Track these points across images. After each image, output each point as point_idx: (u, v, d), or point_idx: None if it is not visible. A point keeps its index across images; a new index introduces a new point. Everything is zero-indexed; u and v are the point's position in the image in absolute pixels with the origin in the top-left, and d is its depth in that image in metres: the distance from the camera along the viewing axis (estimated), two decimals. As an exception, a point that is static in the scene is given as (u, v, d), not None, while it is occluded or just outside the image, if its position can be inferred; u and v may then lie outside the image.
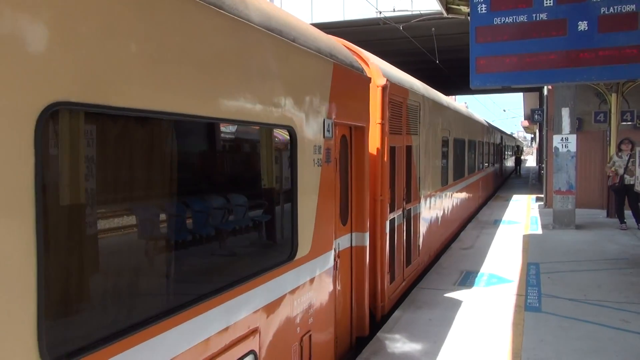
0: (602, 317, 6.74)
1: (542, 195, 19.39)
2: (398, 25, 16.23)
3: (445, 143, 11.28)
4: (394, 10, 16.45)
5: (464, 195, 14.61)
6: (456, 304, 7.36)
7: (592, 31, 6.17)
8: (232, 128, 3.45)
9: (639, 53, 6.08)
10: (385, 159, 6.66)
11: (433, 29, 17.37)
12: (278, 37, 3.70)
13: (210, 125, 3.19)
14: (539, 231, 13.43)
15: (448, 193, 11.92)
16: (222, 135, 3.45)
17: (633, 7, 6.11)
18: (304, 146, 4.15)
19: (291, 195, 4.03)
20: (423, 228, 9.15)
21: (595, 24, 6.16)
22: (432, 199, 10.00)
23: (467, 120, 15.31)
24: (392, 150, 7.08)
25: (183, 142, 3.00)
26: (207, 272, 3.25)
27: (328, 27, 15.48)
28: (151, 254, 2.80)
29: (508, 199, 21.53)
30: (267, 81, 3.57)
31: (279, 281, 3.80)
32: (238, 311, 3.25)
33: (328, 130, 4.63)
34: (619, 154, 13.38)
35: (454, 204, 12.88)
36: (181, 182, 2.93)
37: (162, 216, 2.89)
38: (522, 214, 16.87)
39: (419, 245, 8.86)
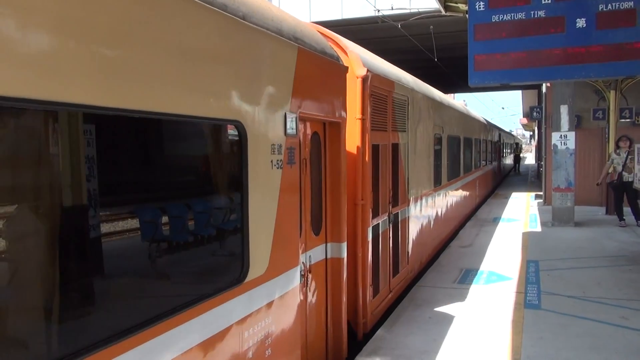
0: (602, 314, 6.74)
1: (541, 193, 19.40)
2: (396, 23, 16.23)
3: (438, 141, 10.50)
4: (392, 9, 16.45)
5: (459, 195, 13.73)
6: (456, 301, 7.36)
7: (590, 28, 6.17)
8: (161, 124, 2.77)
9: (638, 50, 6.07)
10: (367, 158, 6.01)
11: (431, 27, 17.37)
12: (221, 13, 3.08)
13: (126, 120, 2.43)
14: (538, 229, 13.44)
15: (442, 194, 11.06)
16: (148, 131, 2.76)
17: (631, 3, 6.10)
18: (258, 145, 3.47)
19: (240, 205, 3.32)
20: (413, 233, 8.41)
21: (593, 20, 6.16)
22: (424, 201, 9.24)
23: (463, 117, 14.41)
24: (375, 148, 6.42)
25: (81, 140, 2.29)
26: (114, 305, 2.47)
27: (326, 26, 15.45)
28: (19, 284, 2.05)
29: (507, 197, 21.54)
30: (205, 65, 2.93)
31: (223, 310, 3.08)
32: (160, 354, 2.53)
33: (292, 127, 3.96)
34: (617, 151, 13.41)
35: (449, 205, 11.98)
36: (72, 189, 2.22)
37: (44, 231, 2.17)
38: (521, 211, 16.88)
39: (408, 252, 8.10)
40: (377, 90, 6.39)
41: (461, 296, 7.61)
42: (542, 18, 6.27)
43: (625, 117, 16.03)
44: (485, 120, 23.02)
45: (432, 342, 5.90)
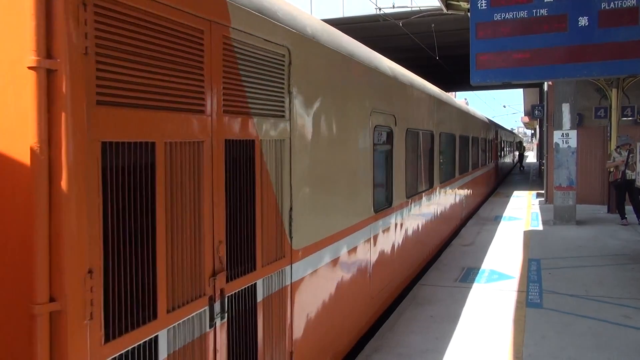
0: (604, 312, 6.74)
1: (543, 191, 19.39)
2: (397, 21, 16.21)
3: (384, 137, 6.73)
4: (393, 7, 16.43)
5: (428, 217, 9.41)
6: (457, 300, 7.36)
7: (593, 26, 6.16)
8: None
9: (640, 48, 6.06)
10: (63, 182, 2.25)
11: (433, 25, 17.36)
12: None
13: None
14: (540, 227, 13.43)
15: (392, 221, 7.02)
16: None
17: (634, 1, 6.09)
18: None
19: None
20: (307, 311, 4.49)
21: (595, 19, 6.15)
22: (344, 244, 5.25)
23: (437, 105, 10.00)
24: (121, 151, 2.55)
25: None
26: None
27: (327, 24, 15.46)
28: None
29: (509, 195, 21.52)
30: None
31: None
32: None
33: None
34: (618, 150, 13.44)
35: (405, 238, 7.73)
36: None
37: None
38: (522, 210, 16.86)
39: (290, 353, 4.19)
40: (126, 3, 2.57)
41: (463, 295, 7.60)
42: (544, 16, 6.26)
43: (627, 116, 16.03)
44: (478, 113, 18.68)
45: (434, 341, 5.90)
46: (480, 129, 18.13)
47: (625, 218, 13.38)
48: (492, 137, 22.52)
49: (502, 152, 30.43)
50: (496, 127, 26.18)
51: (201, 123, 3.11)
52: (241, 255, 3.57)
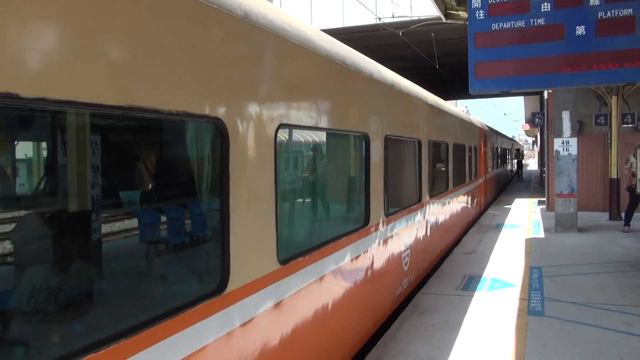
0: (606, 320, 6.73)
1: (544, 199, 19.39)
2: (397, 30, 16.32)
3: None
4: (393, 16, 16.56)
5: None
6: (459, 308, 7.35)
7: (590, 35, 6.21)
8: None
9: (637, 56, 6.11)
10: None
11: (432, 34, 17.48)
12: None
13: None
14: (542, 235, 13.42)
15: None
16: None
17: (630, 10, 6.15)
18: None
19: None
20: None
21: (592, 28, 6.21)
22: None
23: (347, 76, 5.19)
24: None
25: None
26: None
27: (328, 34, 15.54)
28: None
29: (510, 203, 21.52)
30: None
31: None
32: None
33: None
34: (637, 154, 13.20)
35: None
36: None
37: None
38: (524, 217, 16.86)
39: None
40: None
41: (464, 303, 7.60)
42: (542, 26, 6.32)
43: (627, 123, 16.09)
44: (454, 110, 13.04)
45: (436, 350, 5.90)
46: (454, 125, 11.96)
47: (629, 225, 13.35)
48: (474, 143, 15.92)
49: (496, 163, 23.98)
50: (487, 130, 19.91)
51: None
52: None
